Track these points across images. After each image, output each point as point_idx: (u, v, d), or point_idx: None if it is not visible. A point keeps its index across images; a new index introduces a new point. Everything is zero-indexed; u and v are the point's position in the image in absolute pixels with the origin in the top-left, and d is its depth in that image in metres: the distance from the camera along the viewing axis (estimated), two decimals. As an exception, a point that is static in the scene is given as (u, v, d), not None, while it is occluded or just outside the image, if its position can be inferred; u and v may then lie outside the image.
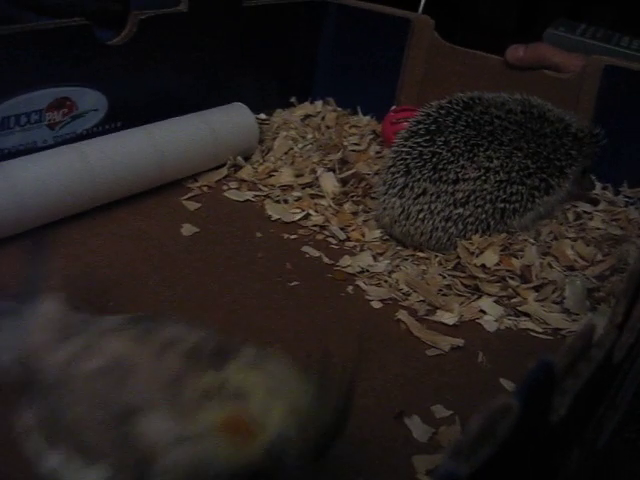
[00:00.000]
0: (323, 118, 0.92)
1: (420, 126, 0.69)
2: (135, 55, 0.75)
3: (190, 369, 0.36)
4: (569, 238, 0.71)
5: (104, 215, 0.70)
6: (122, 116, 0.77)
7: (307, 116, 0.92)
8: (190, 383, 0.36)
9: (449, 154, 0.67)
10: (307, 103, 0.95)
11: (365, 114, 0.94)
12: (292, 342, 0.57)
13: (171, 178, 0.75)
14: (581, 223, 0.75)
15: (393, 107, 0.92)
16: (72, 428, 0.36)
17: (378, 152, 0.85)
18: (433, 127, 0.68)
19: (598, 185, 0.81)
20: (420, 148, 0.68)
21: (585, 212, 0.77)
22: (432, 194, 0.67)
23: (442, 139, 0.67)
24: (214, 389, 0.35)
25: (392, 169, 0.69)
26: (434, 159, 0.67)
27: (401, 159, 0.68)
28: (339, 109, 0.95)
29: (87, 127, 0.75)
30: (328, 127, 0.90)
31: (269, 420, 0.35)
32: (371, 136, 0.89)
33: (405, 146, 0.69)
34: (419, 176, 0.67)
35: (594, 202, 0.78)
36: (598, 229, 0.73)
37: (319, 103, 0.95)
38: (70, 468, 0.36)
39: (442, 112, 0.69)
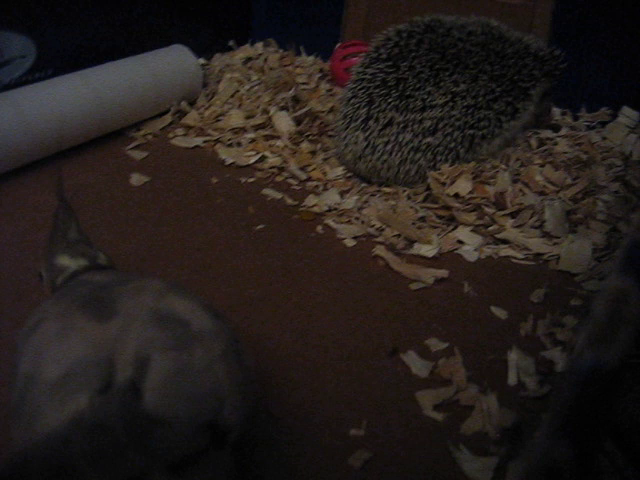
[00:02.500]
0: (266, 60, 0.87)
1: (381, 51, 0.65)
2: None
3: None
4: (536, 164, 0.69)
5: (43, 170, 0.64)
6: (52, 63, 0.70)
7: (248, 59, 0.87)
8: None
9: (415, 80, 0.63)
10: (247, 46, 0.89)
11: (309, 54, 0.89)
12: (268, 286, 0.53)
13: (113, 127, 0.69)
14: (546, 149, 0.72)
15: (338, 44, 0.87)
16: None
17: (329, 90, 0.81)
18: (396, 51, 0.64)
19: (557, 111, 0.79)
20: (382, 75, 0.64)
21: (548, 138, 0.74)
22: (399, 124, 0.63)
23: (406, 64, 0.63)
24: None
25: (352, 100, 0.65)
26: (400, 86, 0.63)
27: (362, 88, 0.64)
28: (281, 50, 0.89)
29: (15, 76, 0.68)
30: (272, 69, 0.85)
31: None
32: (319, 75, 0.84)
33: (366, 74, 0.64)
34: (384, 105, 0.63)
35: (555, 128, 0.76)
36: (565, 153, 0.71)
37: (259, 45, 0.90)
38: None
39: (403, 35, 0.65)
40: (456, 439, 0.41)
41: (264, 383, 0.44)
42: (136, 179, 0.64)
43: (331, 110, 0.75)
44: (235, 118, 0.73)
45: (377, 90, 0.63)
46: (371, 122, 0.64)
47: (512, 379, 0.46)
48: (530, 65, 0.68)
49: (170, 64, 0.73)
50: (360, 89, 0.64)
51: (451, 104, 0.63)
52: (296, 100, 0.74)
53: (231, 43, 0.89)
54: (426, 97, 0.63)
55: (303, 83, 0.81)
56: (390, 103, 0.63)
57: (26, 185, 0.62)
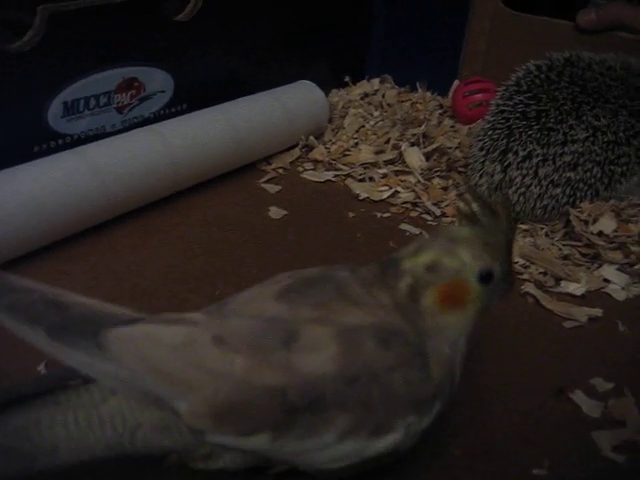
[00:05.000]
0: (383, 96, 0.87)
1: (521, 83, 0.65)
2: (200, 32, 0.70)
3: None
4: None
5: (184, 202, 0.65)
6: (186, 98, 0.72)
7: (365, 95, 0.88)
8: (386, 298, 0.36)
9: (557, 112, 0.62)
10: (364, 81, 0.90)
11: (425, 90, 0.90)
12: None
13: (248, 160, 0.71)
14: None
15: (456, 81, 0.88)
16: None
17: (452, 126, 0.81)
18: (537, 83, 0.64)
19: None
20: (522, 106, 0.63)
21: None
22: (538, 156, 0.62)
23: (548, 96, 0.63)
24: (405, 289, 0.36)
25: (490, 132, 0.64)
26: (541, 118, 0.62)
27: (502, 119, 0.64)
28: (397, 86, 0.90)
29: (154, 110, 0.70)
30: (389, 105, 0.85)
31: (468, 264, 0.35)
32: (439, 111, 0.84)
33: (506, 106, 0.64)
34: (524, 137, 0.63)
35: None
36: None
37: (376, 81, 0.90)
38: None
39: (543, 69, 0.65)
40: (643, 483, 0.40)
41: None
42: (275, 212, 0.65)
43: (458, 146, 0.75)
44: (365, 153, 0.73)
45: (517, 122, 0.63)
46: (510, 154, 0.63)
47: (690, 423, 0.44)
48: (669, 102, 0.67)
49: (300, 99, 0.75)
50: (500, 121, 0.64)
51: (592, 139, 0.62)
52: (425, 136, 0.74)
53: (347, 79, 0.90)
54: (568, 131, 0.62)
55: (425, 119, 0.81)
56: (530, 135, 0.62)
57: (168, 215, 0.63)
